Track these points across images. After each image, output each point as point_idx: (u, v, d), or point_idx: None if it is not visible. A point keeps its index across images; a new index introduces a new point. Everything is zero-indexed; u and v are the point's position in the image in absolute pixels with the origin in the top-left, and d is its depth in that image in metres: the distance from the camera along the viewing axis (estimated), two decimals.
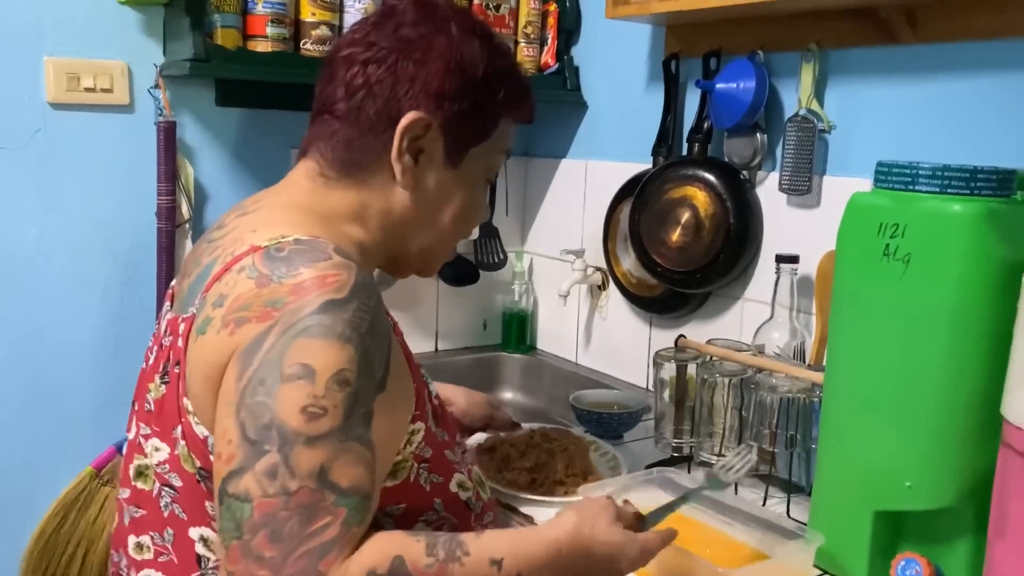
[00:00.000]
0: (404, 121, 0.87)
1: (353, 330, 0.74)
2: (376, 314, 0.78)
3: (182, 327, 0.81)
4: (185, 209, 1.64)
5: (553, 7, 1.84)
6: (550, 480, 1.20)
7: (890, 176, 0.94)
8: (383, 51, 0.88)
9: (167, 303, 0.93)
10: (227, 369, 0.75)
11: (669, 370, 1.32)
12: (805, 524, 1.04)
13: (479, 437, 1.30)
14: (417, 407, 0.85)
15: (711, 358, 1.30)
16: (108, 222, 1.61)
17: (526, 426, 1.33)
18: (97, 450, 1.62)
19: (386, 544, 0.73)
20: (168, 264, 1.61)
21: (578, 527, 0.82)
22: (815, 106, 1.40)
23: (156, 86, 1.59)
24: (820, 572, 1.02)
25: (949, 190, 0.90)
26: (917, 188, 0.92)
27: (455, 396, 1.26)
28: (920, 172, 0.91)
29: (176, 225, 1.63)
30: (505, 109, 0.94)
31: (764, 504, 1.15)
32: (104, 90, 1.56)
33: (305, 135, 0.94)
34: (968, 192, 0.90)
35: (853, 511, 0.98)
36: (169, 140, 1.59)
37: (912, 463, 0.93)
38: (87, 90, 1.54)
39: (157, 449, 0.84)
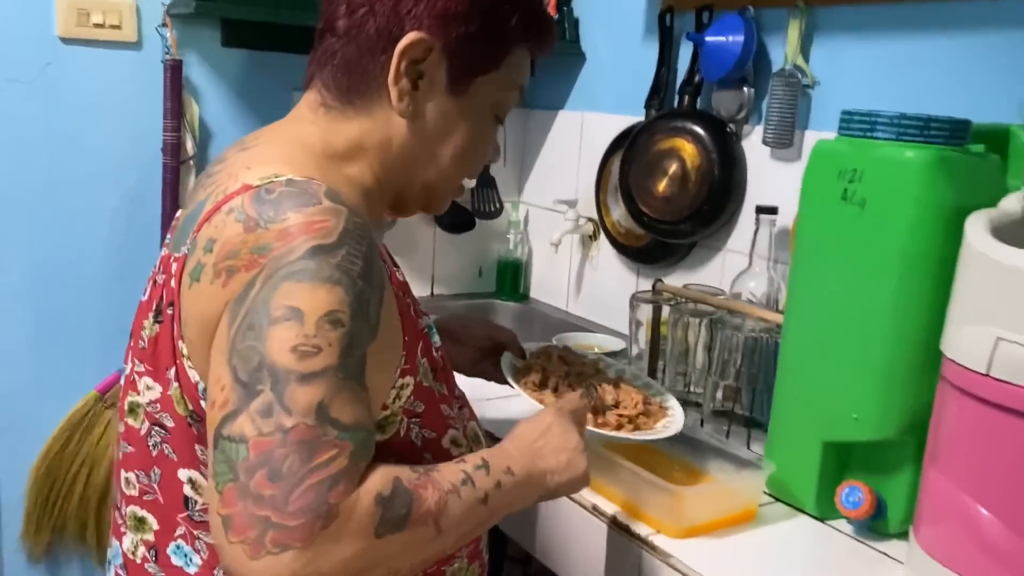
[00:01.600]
0: (403, 42, 0.83)
1: (343, 273, 0.72)
2: (369, 259, 0.75)
3: (174, 267, 0.80)
4: (190, 146, 1.70)
5: None
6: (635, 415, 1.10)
7: (852, 124, 0.99)
8: None
9: (169, 235, 0.91)
10: (220, 319, 0.74)
11: (645, 311, 1.38)
12: (762, 456, 1.10)
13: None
14: (407, 361, 0.83)
15: (685, 300, 1.35)
16: (115, 156, 1.67)
17: (530, 346, 1.22)
18: (102, 375, 1.70)
19: (384, 471, 0.72)
20: (172, 198, 1.67)
21: (516, 427, 0.90)
22: (800, 62, 1.43)
23: (163, 24, 1.64)
24: (772, 499, 1.09)
25: (904, 137, 0.94)
26: (875, 135, 0.96)
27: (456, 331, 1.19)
28: (878, 120, 0.96)
29: (181, 161, 1.68)
30: (518, 37, 0.88)
31: (728, 437, 1.21)
32: (113, 26, 1.61)
33: (309, 61, 0.91)
34: (922, 140, 0.94)
35: (804, 442, 1.04)
36: (175, 78, 1.64)
37: (859, 396, 0.99)
38: (96, 26, 1.59)
39: (149, 388, 0.82)
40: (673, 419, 1.07)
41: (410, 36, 0.83)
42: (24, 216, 1.62)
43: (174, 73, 1.64)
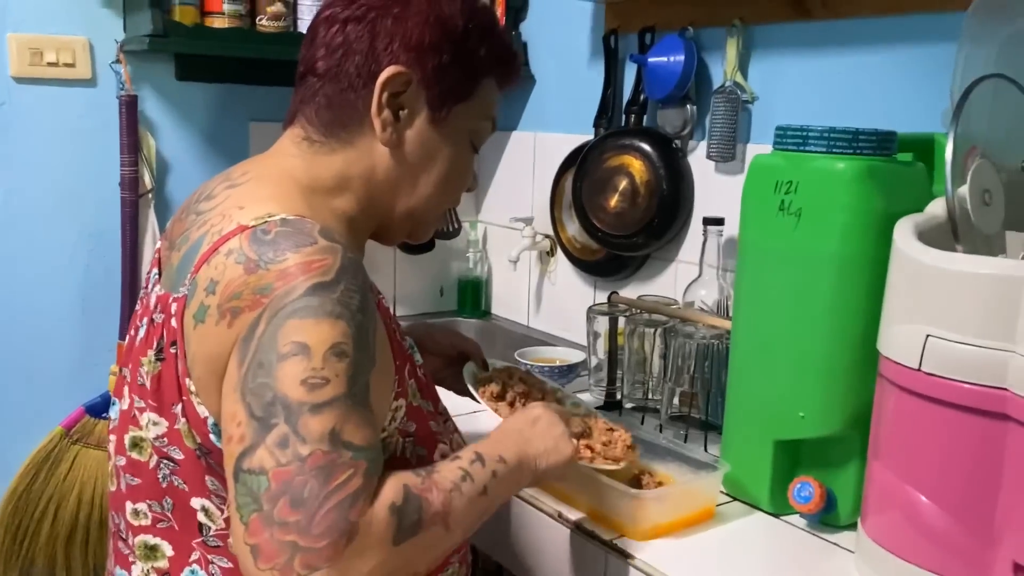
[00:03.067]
0: (383, 75, 0.88)
1: (344, 307, 0.76)
2: (364, 293, 0.79)
3: (174, 307, 0.82)
4: (148, 180, 1.71)
5: None
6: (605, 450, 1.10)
7: (786, 138, 1.05)
8: (362, 8, 0.89)
9: (153, 269, 0.93)
10: (229, 359, 0.77)
11: (602, 323, 1.43)
12: (719, 457, 1.15)
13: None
14: (399, 384, 0.87)
15: (639, 311, 1.40)
16: (73, 192, 1.68)
17: (494, 363, 1.24)
18: (66, 411, 1.70)
19: (393, 480, 0.76)
20: (132, 232, 1.69)
21: (516, 413, 0.96)
22: (739, 78, 1.50)
23: (117, 61, 1.66)
24: (729, 497, 1.13)
25: (835, 150, 1.00)
26: (808, 149, 1.02)
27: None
28: (810, 134, 1.02)
29: (139, 195, 1.70)
30: (487, 67, 0.94)
31: (686, 441, 1.26)
32: (67, 65, 1.62)
33: (291, 102, 0.95)
34: (852, 151, 1.00)
35: (756, 442, 1.09)
36: (131, 113, 1.66)
37: (804, 396, 1.04)
38: (50, 65, 1.61)
39: (155, 423, 0.84)
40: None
41: (389, 70, 0.89)
42: None
43: (129, 108, 1.66)
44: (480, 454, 0.85)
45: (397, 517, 0.74)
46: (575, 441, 0.97)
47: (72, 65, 1.63)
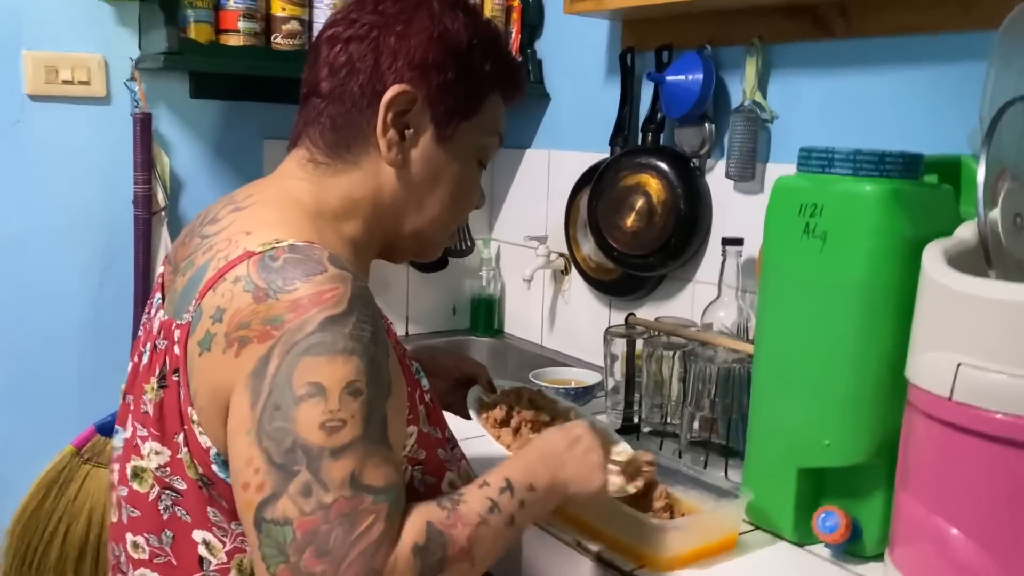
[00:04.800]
0: (388, 94, 0.87)
1: (356, 341, 0.75)
2: (376, 323, 0.78)
3: (177, 334, 0.80)
4: (161, 197, 1.70)
5: (516, 3, 1.91)
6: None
7: (810, 160, 1.03)
8: (364, 27, 0.88)
9: (156, 293, 0.91)
10: (235, 393, 0.75)
11: (620, 345, 1.41)
12: (740, 484, 1.12)
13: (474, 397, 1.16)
14: (410, 411, 0.86)
15: (658, 333, 1.38)
16: (86, 210, 1.67)
17: (502, 383, 1.21)
18: (77, 430, 1.68)
19: (415, 518, 0.76)
20: (145, 250, 1.68)
21: (545, 434, 0.94)
22: (759, 97, 1.48)
23: (132, 79, 1.65)
24: (752, 526, 1.11)
25: (861, 172, 0.98)
26: (833, 171, 1.00)
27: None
28: (835, 156, 1.00)
29: (152, 213, 1.69)
30: (492, 83, 0.93)
31: (705, 467, 1.23)
32: (81, 82, 1.62)
33: (294, 124, 0.94)
34: (878, 174, 0.98)
35: (779, 469, 1.07)
36: (145, 131, 1.65)
37: (829, 424, 1.02)
38: (65, 82, 1.60)
39: (157, 453, 0.83)
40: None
41: (394, 89, 0.87)
42: None
43: (143, 126, 1.65)
44: (510, 482, 0.84)
45: (420, 558, 0.73)
46: (612, 476, 0.95)
47: (87, 83, 1.62)
